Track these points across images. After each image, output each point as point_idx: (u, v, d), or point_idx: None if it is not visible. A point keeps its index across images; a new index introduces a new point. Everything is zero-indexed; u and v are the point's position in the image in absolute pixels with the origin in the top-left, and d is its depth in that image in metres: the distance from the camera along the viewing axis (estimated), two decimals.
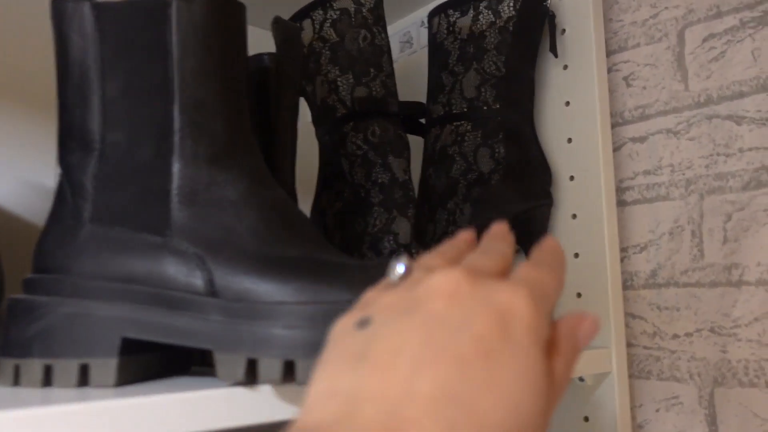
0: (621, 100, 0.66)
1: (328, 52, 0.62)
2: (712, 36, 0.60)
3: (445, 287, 0.23)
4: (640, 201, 0.63)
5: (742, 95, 0.57)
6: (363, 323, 0.24)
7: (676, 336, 0.59)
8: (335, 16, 0.62)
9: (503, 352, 0.21)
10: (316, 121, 0.65)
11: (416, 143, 0.78)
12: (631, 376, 0.61)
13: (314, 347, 0.32)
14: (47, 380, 0.35)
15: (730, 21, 0.58)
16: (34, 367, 0.34)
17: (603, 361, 0.57)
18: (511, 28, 0.63)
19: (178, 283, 0.35)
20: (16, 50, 0.66)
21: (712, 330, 0.57)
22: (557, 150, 0.64)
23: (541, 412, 0.21)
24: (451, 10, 0.67)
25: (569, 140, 0.63)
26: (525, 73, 0.64)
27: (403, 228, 0.58)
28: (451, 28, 0.67)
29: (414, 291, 0.24)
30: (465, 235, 0.32)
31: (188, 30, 0.37)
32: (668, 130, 0.62)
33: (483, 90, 0.64)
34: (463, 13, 0.66)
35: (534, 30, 0.64)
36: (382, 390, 0.20)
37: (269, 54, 0.52)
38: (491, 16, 0.64)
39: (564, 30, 0.65)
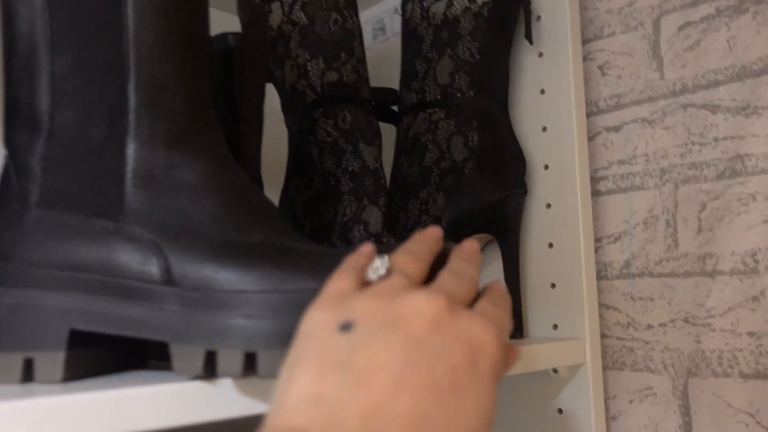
0: (596, 89, 0.65)
1: (297, 36, 0.60)
2: (687, 24, 0.59)
3: (428, 312, 0.25)
4: (615, 191, 0.62)
5: (717, 84, 0.57)
6: (345, 327, 0.25)
7: (650, 326, 0.58)
8: None
9: (470, 385, 0.23)
10: (285, 107, 0.63)
11: (388, 131, 0.77)
12: (604, 367, 0.61)
13: (277, 338, 0.30)
14: None
15: (706, 9, 0.58)
16: None
17: (577, 352, 0.56)
18: (485, 14, 0.62)
19: (131, 272, 0.32)
20: None
21: (686, 320, 0.56)
22: (532, 139, 0.63)
23: None
24: None
25: (544, 129, 0.62)
26: (500, 60, 0.62)
27: (374, 217, 0.56)
28: (425, 14, 0.65)
29: (396, 304, 0.25)
30: (434, 232, 0.32)
31: (145, 2, 0.35)
32: (643, 120, 0.61)
33: (457, 77, 0.62)
34: None
35: (509, 16, 0.62)
36: (365, 405, 0.22)
37: (234, 34, 0.49)
38: (466, 1, 0.62)
39: (539, 17, 0.64)
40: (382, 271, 0.28)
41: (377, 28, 0.82)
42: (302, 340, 0.25)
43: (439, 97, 0.63)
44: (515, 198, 0.60)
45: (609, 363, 0.60)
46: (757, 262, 0.53)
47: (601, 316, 0.61)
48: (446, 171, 0.62)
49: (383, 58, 0.81)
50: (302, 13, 0.60)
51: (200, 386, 0.31)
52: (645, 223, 0.60)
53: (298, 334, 0.26)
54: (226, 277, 0.32)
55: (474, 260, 0.31)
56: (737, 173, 0.55)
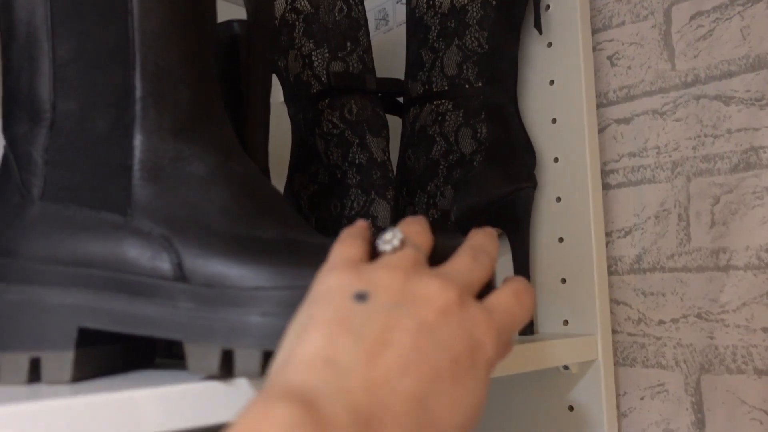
0: (605, 80, 0.63)
1: (301, 25, 0.59)
2: (699, 14, 0.58)
3: (440, 301, 0.25)
4: (625, 184, 0.61)
5: (730, 75, 0.56)
6: (361, 296, 0.25)
7: (661, 322, 0.57)
8: None
9: (467, 379, 0.24)
10: (289, 98, 0.61)
11: (393, 123, 0.75)
12: (615, 363, 0.60)
13: None
14: None
15: None
16: None
17: (589, 348, 0.55)
18: (494, 3, 0.60)
19: (142, 267, 0.31)
20: None
21: (699, 316, 0.55)
22: (541, 131, 0.62)
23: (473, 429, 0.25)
24: None
25: (553, 121, 0.61)
26: (508, 50, 0.61)
27: (383, 211, 0.55)
28: (431, 2, 0.64)
29: (411, 284, 0.25)
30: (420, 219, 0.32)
31: None
32: (654, 111, 0.60)
33: (465, 67, 0.61)
34: None
35: (518, 5, 0.61)
36: (372, 377, 0.22)
37: (239, 21, 0.48)
38: None
39: (548, 6, 0.63)
40: (396, 243, 0.28)
41: (380, 17, 0.80)
42: (315, 301, 0.25)
43: (446, 88, 0.62)
44: (525, 192, 0.58)
45: (620, 359, 0.60)
46: None
47: (611, 311, 0.60)
48: (454, 164, 0.60)
49: (386, 48, 0.79)
50: (306, 1, 0.59)
51: (216, 386, 0.30)
52: (656, 217, 0.59)
53: (310, 296, 0.26)
54: (240, 274, 0.30)
55: (494, 240, 0.31)
56: (752, 166, 0.54)
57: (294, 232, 0.34)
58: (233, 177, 0.35)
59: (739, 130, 0.55)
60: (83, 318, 0.31)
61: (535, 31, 0.63)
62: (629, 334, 0.59)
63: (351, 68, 0.58)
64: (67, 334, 0.30)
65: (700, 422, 0.54)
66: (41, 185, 0.33)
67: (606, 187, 0.62)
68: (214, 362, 0.29)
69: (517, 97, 0.62)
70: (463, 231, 0.59)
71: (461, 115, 0.61)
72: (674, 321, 0.57)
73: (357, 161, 0.56)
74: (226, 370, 0.29)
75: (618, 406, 0.59)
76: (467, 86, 0.61)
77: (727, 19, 0.56)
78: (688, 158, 0.57)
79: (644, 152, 0.60)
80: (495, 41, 0.60)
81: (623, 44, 0.62)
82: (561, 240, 0.59)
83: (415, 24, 0.65)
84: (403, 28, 0.78)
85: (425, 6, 0.64)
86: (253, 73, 0.47)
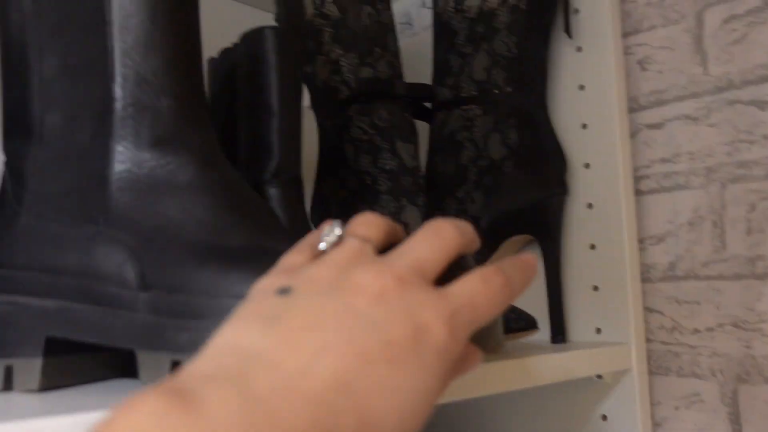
0: (635, 84, 0.63)
1: (329, 30, 0.58)
2: (733, 17, 0.57)
3: (374, 288, 0.23)
4: (657, 190, 0.60)
5: (765, 79, 0.55)
6: (284, 291, 0.24)
7: (696, 331, 0.56)
8: None
9: (407, 364, 0.22)
10: (317, 104, 0.61)
11: (420, 128, 0.75)
12: (648, 372, 0.59)
13: None
14: None
15: (752, 2, 0.56)
16: None
17: (622, 357, 0.54)
18: (524, 7, 0.60)
19: (109, 277, 0.31)
20: None
21: (735, 325, 0.54)
22: (571, 136, 0.61)
23: (420, 423, 0.23)
24: None
25: (584, 126, 0.60)
26: (538, 55, 0.60)
27: (413, 217, 0.54)
28: (458, 7, 0.63)
29: (342, 275, 0.24)
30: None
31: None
32: (687, 116, 0.59)
33: (494, 72, 0.60)
34: None
35: (547, 9, 0.60)
36: (283, 359, 0.21)
37: (271, 27, 0.47)
38: None
39: (577, 10, 0.62)
40: (331, 238, 0.26)
41: (404, 22, 0.80)
42: (243, 303, 0.24)
43: (475, 93, 0.61)
44: (556, 198, 0.58)
45: (653, 368, 0.59)
46: None
47: (644, 319, 0.59)
48: (484, 170, 0.60)
49: (411, 52, 0.78)
50: (334, 7, 0.58)
51: None
52: (690, 223, 0.58)
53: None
54: (201, 283, 0.30)
55: (451, 223, 0.28)
56: None
57: (267, 239, 0.34)
58: (210, 185, 0.34)
59: None
60: (50, 326, 0.31)
61: (565, 36, 0.62)
62: (663, 343, 0.58)
63: (380, 73, 0.57)
64: (36, 343, 0.31)
65: None
66: (28, 198, 0.34)
67: (638, 193, 0.61)
68: (164, 373, 0.28)
69: (547, 102, 0.61)
70: (493, 238, 0.59)
71: (490, 120, 0.60)
72: (709, 330, 0.56)
73: (387, 167, 0.56)
74: None
75: (652, 416, 0.58)
76: (496, 91, 0.60)
77: (761, 23, 0.55)
78: (723, 164, 0.56)
79: (677, 158, 0.59)
80: (524, 46, 0.60)
81: (654, 48, 0.62)
82: (593, 247, 0.58)
83: (441, 29, 0.65)
84: (428, 32, 0.77)
85: (452, 11, 0.63)
86: (284, 79, 0.47)
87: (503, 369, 0.41)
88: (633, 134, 0.62)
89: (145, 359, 0.29)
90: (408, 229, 0.54)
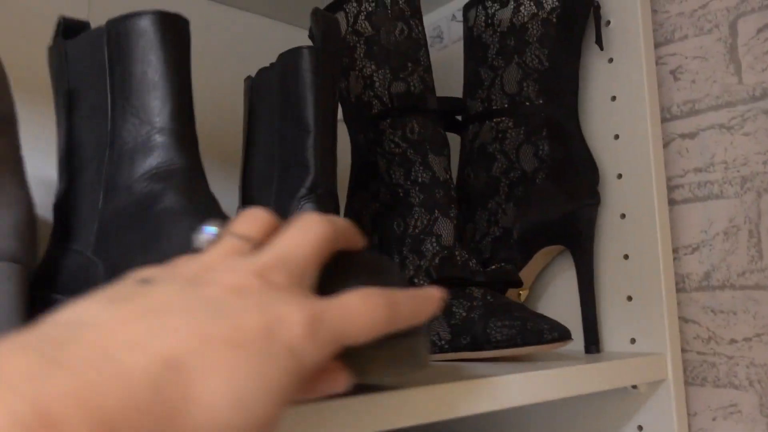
0: (668, 94, 0.63)
1: (363, 46, 0.60)
2: (767, 26, 0.57)
3: (231, 283, 0.23)
4: (691, 200, 0.60)
5: None
6: (145, 281, 0.24)
7: (733, 341, 0.56)
8: (370, 8, 0.60)
9: (254, 351, 0.21)
10: (350, 118, 0.62)
11: (451, 140, 0.75)
12: (684, 383, 0.58)
13: None
14: None
15: None
16: None
17: (658, 367, 0.54)
18: (554, 20, 0.60)
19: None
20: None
21: None
22: (603, 147, 0.61)
23: (265, 420, 0.21)
24: (489, 2, 0.64)
25: (616, 137, 0.60)
26: (569, 67, 0.61)
27: (446, 229, 0.55)
28: (489, 21, 0.64)
29: (205, 270, 0.24)
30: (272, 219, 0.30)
31: (113, 50, 0.40)
32: (721, 126, 0.59)
33: (525, 85, 0.61)
34: (503, 5, 0.63)
35: (578, 22, 0.61)
36: (113, 332, 0.20)
37: (307, 47, 0.49)
38: (533, 7, 0.61)
39: (609, 21, 0.62)
40: (206, 237, 0.26)
41: (434, 35, 0.81)
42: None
43: (506, 105, 0.62)
44: (588, 209, 0.58)
45: (689, 378, 0.58)
46: None
47: (679, 329, 0.59)
48: (516, 181, 0.60)
49: (441, 66, 0.80)
50: (368, 23, 0.60)
51: None
52: (725, 233, 0.57)
53: None
54: None
55: (321, 218, 0.28)
56: None
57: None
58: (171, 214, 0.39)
59: None
60: None
61: (596, 47, 0.63)
62: (699, 353, 0.58)
63: (412, 88, 0.59)
64: None
65: None
66: (52, 232, 0.41)
67: (671, 202, 0.61)
68: None
69: (578, 113, 0.62)
70: (526, 248, 0.59)
71: (522, 132, 0.61)
72: (747, 340, 0.55)
73: (420, 180, 0.57)
74: None
75: (689, 427, 0.58)
76: (528, 104, 0.61)
77: None
78: (758, 173, 0.56)
79: (711, 167, 0.59)
80: (555, 58, 0.60)
81: (687, 58, 0.62)
82: (626, 257, 0.58)
83: (472, 42, 0.66)
84: (458, 45, 0.78)
85: (483, 25, 0.64)
86: (320, 97, 0.49)
87: (537, 379, 0.42)
88: (666, 144, 0.62)
89: None
90: (440, 241, 0.55)
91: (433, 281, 0.53)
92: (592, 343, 0.57)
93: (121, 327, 0.20)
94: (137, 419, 0.19)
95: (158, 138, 0.38)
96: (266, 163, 0.53)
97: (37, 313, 0.36)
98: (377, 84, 0.59)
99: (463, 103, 0.66)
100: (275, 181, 0.51)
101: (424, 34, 0.61)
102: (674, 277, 0.60)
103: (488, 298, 0.52)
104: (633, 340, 0.57)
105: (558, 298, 0.63)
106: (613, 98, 0.61)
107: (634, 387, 0.55)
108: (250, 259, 0.25)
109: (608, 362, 0.49)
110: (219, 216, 0.37)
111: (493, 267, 0.56)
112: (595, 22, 0.60)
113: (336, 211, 0.50)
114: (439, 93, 0.79)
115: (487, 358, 0.52)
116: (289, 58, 0.49)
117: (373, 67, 0.59)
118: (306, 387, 0.26)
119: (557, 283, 0.64)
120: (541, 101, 0.60)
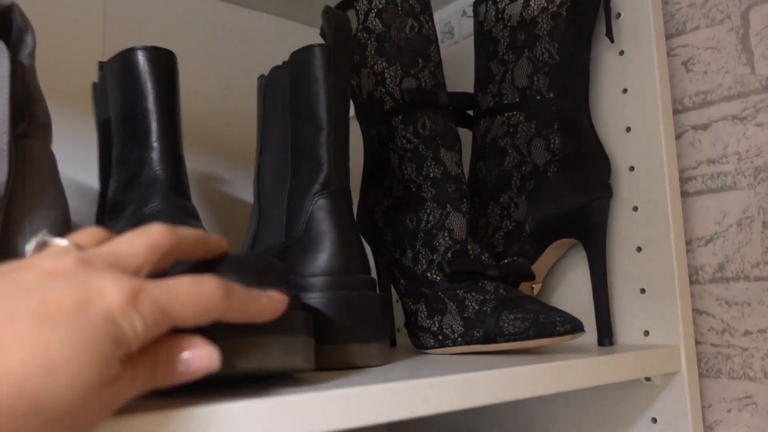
0: (680, 86, 0.62)
1: (374, 43, 0.60)
2: None
3: (48, 267, 0.24)
4: (704, 191, 0.60)
5: None
6: None
7: (748, 333, 0.56)
8: (380, 6, 0.60)
9: (64, 321, 0.22)
10: (362, 114, 0.63)
11: (463, 135, 0.76)
12: (699, 374, 0.58)
13: None
14: None
15: None
16: None
17: (671, 359, 0.54)
18: (564, 14, 0.61)
19: None
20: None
21: None
22: (615, 140, 0.61)
23: (77, 402, 0.22)
24: None
25: (628, 129, 0.60)
26: (580, 60, 0.61)
27: (458, 223, 0.56)
28: (499, 16, 0.64)
29: (29, 264, 0.24)
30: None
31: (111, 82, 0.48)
32: (733, 116, 0.59)
33: (536, 79, 0.61)
34: (513, 0, 0.63)
35: (588, 15, 0.61)
36: None
37: (319, 45, 0.49)
38: (543, 1, 0.61)
39: (619, 14, 0.62)
40: (33, 243, 0.27)
41: (445, 31, 0.81)
42: None
43: (517, 99, 0.62)
44: (600, 201, 0.58)
45: (703, 370, 0.58)
46: None
47: (693, 321, 0.59)
48: (528, 175, 0.61)
49: (452, 61, 0.80)
50: (378, 20, 0.60)
51: None
52: (739, 224, 0.57)
53: None
54: None
55: (163, 227, 0.28)
56: None
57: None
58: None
59: None
60: None
61: (607, 40, 0.63)
62: (713, 345, 0.58)
63: (423, 84, 0.59)
64: None
65: None
66: None
67: (684, 194, 0.61)
68: None
69: (590, 106, 0.62)
70: (538, 241, 0.60)
71: (533, 126, 0.61)
72: (762, 331, 0.55)
73: (431, 175, 0.57)
74: None
75: (704, 419, 0.58)
76: (539, 97, 0.61)
77: None
78: None
79: (724, 158, 0.59)
80: (566, 52, 0.60)
81: (698, 49, 0.61)
82: (639, 249, 0.58)
83: (483, 37, 0.66)
84: (469, 41, 0.79)
85: (493, 20, 0.65)
86: (333, 94, 0.49)
87: (550, 371, 0.42)
88: (678, 136, 0.62)
89: None
90: (452, 236, 0.55)
91: (446, 275, 0.53)
92: (606, 336, 0.57)
93: None
94: None
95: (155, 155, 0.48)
96: (280, 161, 0.54)
97: None
98: (388, 80, 0.59)
99: (474, 98, 0.66)
100: (289, 178, 0.52)
101: (435, 30, 0.62)
102: (687, 269, 0.60)
103: (501, 291, 0.52)
104: (646, 333, 0.57)
105: (571, 291, 0.64)
106: (625, 90, 0.61)
107: (648, 379, 0.56)
108: (74, 253, 0.25)
109: (621, 354, 0.49)
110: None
111: (506, 261, 0.56)
112: (605, 14, 0.60)
113: (349, 208, 0.51)
114: (451, 88, 0.79)
115: (500, 350, 0.52)
116: (302, 56, 0.50)
117: (385, 63, 0.59)
118: (167, 363, 0.26)
119: (570, 276, 0.64)
120: (552, 95, 0.60)
